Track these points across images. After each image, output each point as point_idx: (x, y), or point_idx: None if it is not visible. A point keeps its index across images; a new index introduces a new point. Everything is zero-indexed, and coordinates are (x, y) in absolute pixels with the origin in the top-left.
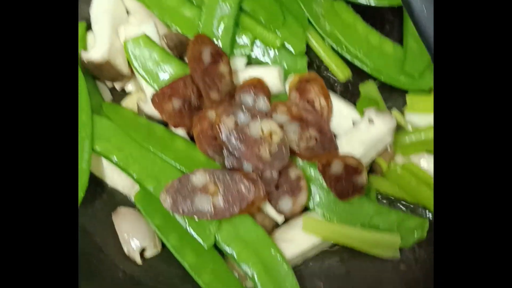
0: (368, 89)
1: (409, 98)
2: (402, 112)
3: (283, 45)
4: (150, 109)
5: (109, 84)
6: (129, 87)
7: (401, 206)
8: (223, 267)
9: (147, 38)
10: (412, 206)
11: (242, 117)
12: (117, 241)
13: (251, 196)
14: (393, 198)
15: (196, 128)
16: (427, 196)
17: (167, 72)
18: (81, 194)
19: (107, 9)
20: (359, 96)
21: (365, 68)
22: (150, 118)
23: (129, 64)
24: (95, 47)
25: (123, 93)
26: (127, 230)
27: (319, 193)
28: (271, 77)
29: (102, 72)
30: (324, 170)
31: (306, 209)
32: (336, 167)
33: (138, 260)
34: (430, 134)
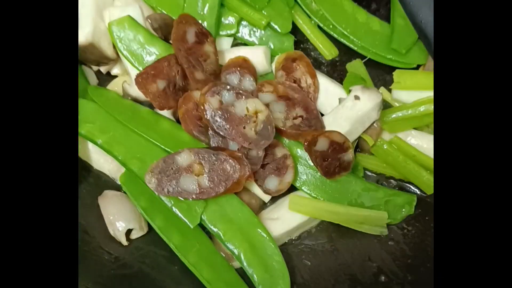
0: (355, 67)
1: (396, 75)
2: (389, 90)
3: (269, 25)
4: (136, 92)
5: (94, 68)
6: (115, 70)
7: (389, 182)
8: (210, 247)
9: (131, 19)
10: (400, 182)
11: (227, 96)
12: (103, 224)
13: (236, 175)
14: (380, 175)
15: (181, 109)
16: (414, 171)
17: (152, 54)
18: None
19: None
20: (346, 74)
21: (352, 46)
22: (135, 100)
23: (114, 47)
24: (79, 30)
25: (109, 77)
26: (112, 213)
27: (305, 171)
28: (257, 56)
29: (86, 55)
30: (310, 148)
31: (293, 188)
32: (322, 144)
33: (123, 241)
34: (417, 111)
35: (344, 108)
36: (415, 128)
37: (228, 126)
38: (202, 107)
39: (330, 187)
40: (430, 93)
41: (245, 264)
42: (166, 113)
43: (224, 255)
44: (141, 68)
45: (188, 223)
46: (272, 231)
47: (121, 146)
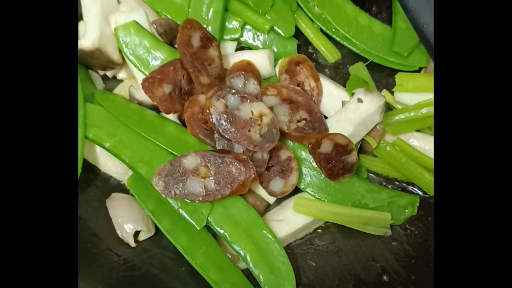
0: (358, 70)
1: (398, 77)
2: (391, 92)
3: (272, 29)
4: (142, 96)
5: (101, 72)
6: (121, 74)
7: (392, 184)
8: (216, 248)
9: (137, 24)
10: (402, 184)
11: (232, 99)
12: (111, 226)
13: (242, 177)
14: (383, 176)
15: (187, 112)
16: (417, 173)
17: (157, 58)
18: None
19: None
20: (349, 77)
21: (355, 49)
22: (142, 104)
23: (120, 52)
24: (86, 35)
25: (115, 81)
26: (120, 215)
27: (309, 173)
28: (261, 60)
29: (93, 60)
30: (314, 150)
31: (297, 190)
32: (326, 147)
33: (132, 243)
34: (419, 113)
35: (347, 110)
36: (417, 130)
37: (233, 129)
38: (207, 111)
39: (334, 188)
40: (432, 96)
41: (251, 265)
42: (172, 116)
43: (230, 256)
44: (147, 73)
45: (195, 224)
46: (277, 232)
47: (128, 149)
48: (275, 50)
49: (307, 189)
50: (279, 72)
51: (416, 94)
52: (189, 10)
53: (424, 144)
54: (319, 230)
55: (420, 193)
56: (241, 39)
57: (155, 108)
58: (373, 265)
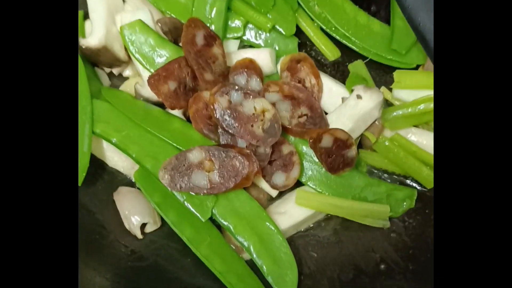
0: (357, 67)
1: (396, 74)
2: (390, 89)
3: (274, 28)
4: (147, 93)
5: (107, 70)
6: (127, 72)
7: (391, 177)
8: (220, 240)
9: (142, 23)
10: (401, 177)
11: (235, 96)
12: (119, 219)
13: (245, 171)
14: (382, 170)
15: (192, 108)
16: (415, 167)
17: (162, 56)
18: (82, 174)
19: None
20: (348, 74)
21: (354, 47)
22: (147, 101)
23: (126, 50)
24: (93, 34)
25: (121, 78)
26: (128, 208)
27: (311, 167)
28: (263, 58)
29: (100, 57)
30: (315, 145)
31: (299, 184)
32: (326, 141)
33: (139, 234)
34: (417, 109)
35: (347, 107)
36: (415, 126)
37: (236, 124)
38: (211, 107)
39: (335, 182)
40: (429, 92)
41: (254, 255)
42: (177, 112)
43: (234, 248)
44: (152, 70)
45: (200, 217)
46: (280, 224)
47: (135, 144)
48: (277, 48)
49: (308, 183)
50: (281, 69)
51: (414, 91)
52: (193, 9)
53: (421, 139)
54: (320, 223)
55: (418, 186)
56: (244, 37)
57: (160, 105)
58: (373, 256)
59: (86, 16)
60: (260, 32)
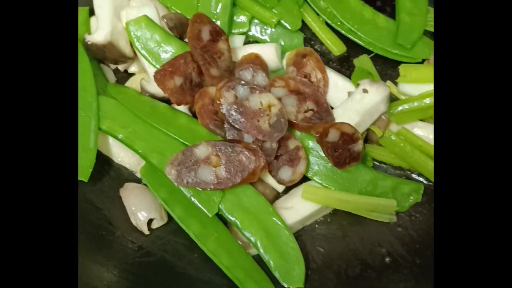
0: (362, 62)
1: (402, 69)
2: (395, 83)
3: (279, 23)
4: (153, 88)
5: (113, 66)
6: (132, 68)
7: (398, 171)
8: (227, 235)
9: (148, 19)
10: (407, 172)
11: (242, 91)
12: (125, 215)
13: (252, 165)
14: (389, 165)
15: (198, 104)
16: (421, 161)
17: (168, 52)
18: (89, 171)
19: None
20: (354, 69)
21: (360, 42)
22: (153, 97)
23: (131, 46)
24: (98, 30)
25: (127, 75)
26: (134, 204)
27: (317, 162)
28: (269, 53)
29: (105, 53)
30: (321, 139)
31: (305, 179)
32: (333, 136)
33: (145, 230)
34: (423, 103)
35: (353, 101)
36: (421, 120)
37: (243, 119)
38: (218, 102)
39: (341, 177)
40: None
41: (261, 251)
42: (183, 108)
43: (241, 243)
44: (158, 66)
45: (207, 212)
46: (287, 219)
47: (141, 140)
48: (282, 43)
49: (314, 177)
50: (286, 64)
51: (420, 85)
52: (198, 4)
53: (427, 133)
54: (326, 217)
55: (424, 181)
56: (249, 33)
57: (166, 101)
58: (379, 250)
59: (91, 12)
60: (265, 27)
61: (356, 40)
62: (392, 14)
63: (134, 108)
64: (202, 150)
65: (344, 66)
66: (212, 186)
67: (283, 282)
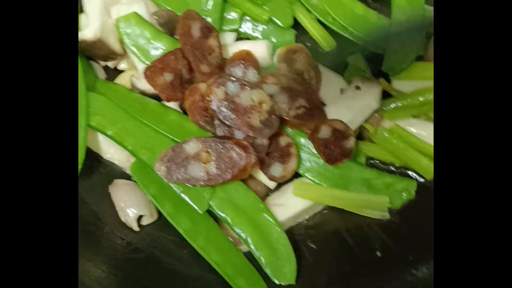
0: (355, 59)
1: None
2: (389, 80)
3: (271, 20)
4: (143, 85)
5: (102, 63)
6: (122, 65)
7: (390, 168)
8: (217, 231)
9: (138, 16)
10: (400, 169)
11: (232, 87)
12: (115, 211)
13: (242, 162)
14: (382, 162)
15: (188, 100)
16: (414, 158)
17: (158, 48)
18: (79, 167)
19: None
20: (346, 65)
21: (352, 38)
22: (143, 93)
23: (121, 43)
24: (88, 26)
25: (116, 71)
26: (124, 200)
27: (308, 159)
28: (260, 50)
29: (95, 50)
30: (313, 136)
31: (297, 176)
32: (325, 132)
33: (135, 227)
34: (416, 100)
35: (345, 97)
36: (414, 116)
37: (233, 116)
38: (208, 98)
39: (333, 173)
40: (428, 83)
41: (252, 247)
42: (173, 105)
43: (232, 240)
44: (148, 63)
45: (197, 209)
46: (278, 216)
47: (131, 137)
48: (274, 40)
49: (306, 174)
50: (278, 61)
51: (413, 82)
52: (189, 1)
53: (420, 130)
54: (318, 214)
55: (418, 177)
56: (240, 30)
57: (156, 98)
58: (371, 247)
59: (81, 9)
60: (257, 24)
61: (348, 36)
62: (382, 11)
63: (124, 104)
64: (192, 147)
65: (337, 63)
66: (202, 183)
67: (274, 279)
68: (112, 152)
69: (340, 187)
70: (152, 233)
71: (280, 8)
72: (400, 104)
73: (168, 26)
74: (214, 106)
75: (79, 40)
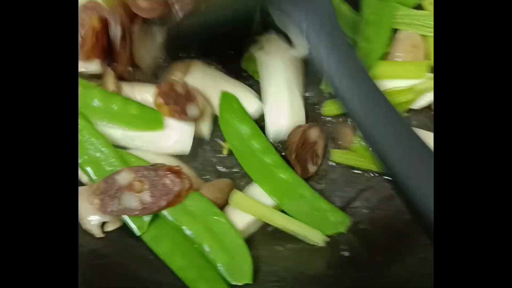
0: None
1: None
2: None
3: None
4: None
5: None
6: None
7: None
8: (181, 234)
9: None
10: (377, 175)
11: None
12: None
13: (176, 188)
14: (357, 168)
15: None
16: None
17: None
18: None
19: None
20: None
21: None
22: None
23: None
24: None
25: None
26: (83, 207)
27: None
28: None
29: None
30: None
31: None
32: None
33: (98, 233)
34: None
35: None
36: None
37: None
38: None
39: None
40: (402, 82)
41: (207, 249)
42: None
43: None
44: None
45: (136, 230)
46: (238, 222)
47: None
48: None
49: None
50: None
51: (389, 81)
52: None
53: None
54: None
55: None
56: None
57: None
58: (340, 248)
59: None
60: None
61: None
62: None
63: None
64: (124, 177)
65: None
66: (137, 212)
67: (230, 279)
68: None
69: (281, 194)
70: (116, 239)
71: None
72: None
73: None
74: None
75: None
